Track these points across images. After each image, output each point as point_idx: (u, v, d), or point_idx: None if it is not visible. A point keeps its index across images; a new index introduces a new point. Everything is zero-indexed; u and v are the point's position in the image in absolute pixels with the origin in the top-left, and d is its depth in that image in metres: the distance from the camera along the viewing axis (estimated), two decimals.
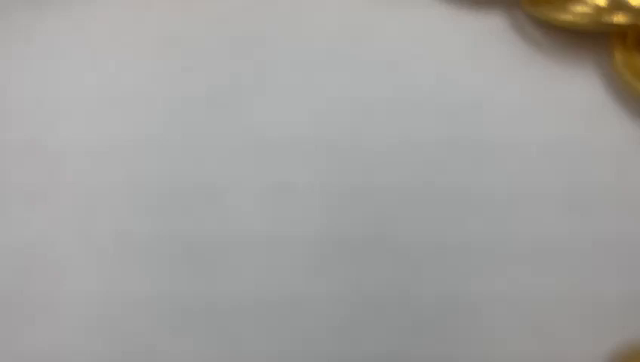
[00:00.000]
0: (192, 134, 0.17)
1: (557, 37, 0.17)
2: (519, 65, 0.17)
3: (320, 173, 0.16)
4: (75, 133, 0.17)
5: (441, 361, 0.15)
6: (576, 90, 0.17)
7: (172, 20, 0.18)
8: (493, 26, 0.18)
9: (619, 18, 0.16)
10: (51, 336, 0.16)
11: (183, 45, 0.17)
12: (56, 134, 0.17)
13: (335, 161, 0.16)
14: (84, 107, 0.17)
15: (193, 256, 0.16)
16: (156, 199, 0.16)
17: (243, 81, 0.17)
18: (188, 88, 0.17)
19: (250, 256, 0.16)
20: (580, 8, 0.17)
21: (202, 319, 0.16)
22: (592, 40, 0.17)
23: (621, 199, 0.16)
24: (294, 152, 0.17)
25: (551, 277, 0.16)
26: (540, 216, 0.16)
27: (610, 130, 0.17)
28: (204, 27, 0.18)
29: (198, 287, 0.16)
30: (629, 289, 0.16)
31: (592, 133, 0.17)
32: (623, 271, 0.16)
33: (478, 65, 0.17)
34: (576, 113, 0.17)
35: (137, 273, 0.16)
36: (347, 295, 0.16)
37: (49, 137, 0.17)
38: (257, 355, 0.15)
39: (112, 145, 0.17)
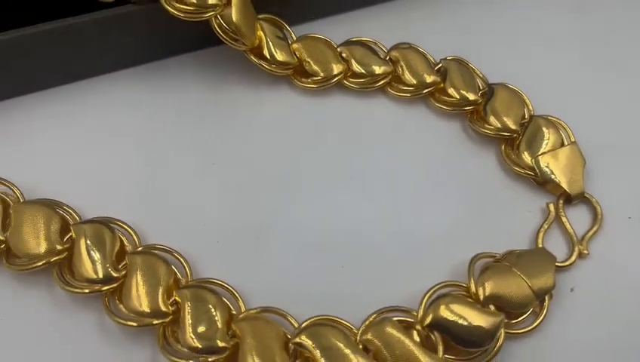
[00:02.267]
0: None
1: (485, 138, 0.37)
2: (461, 151, 0.37)
3: None
4: None
5: None
6: (484, 164, 0.37)
7: None
8: (454, 129, 0.38)
9: (504, 134, 0.36)
10: None
11: None
12: None
13: None
14: None
15: None
16: None
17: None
18: None
19: None
20: (488, 127, 0.37)
21: None
22: (494, 140, 0.37)
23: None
24: None
25: None
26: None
27: (498, 185, 0.37)
28: None
29: None
30: None
31: (490, 186, 0.37)
32: None
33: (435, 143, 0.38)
34: (484, 178, 0.37)
35: None
36: None
37: None
38: None
39: None
